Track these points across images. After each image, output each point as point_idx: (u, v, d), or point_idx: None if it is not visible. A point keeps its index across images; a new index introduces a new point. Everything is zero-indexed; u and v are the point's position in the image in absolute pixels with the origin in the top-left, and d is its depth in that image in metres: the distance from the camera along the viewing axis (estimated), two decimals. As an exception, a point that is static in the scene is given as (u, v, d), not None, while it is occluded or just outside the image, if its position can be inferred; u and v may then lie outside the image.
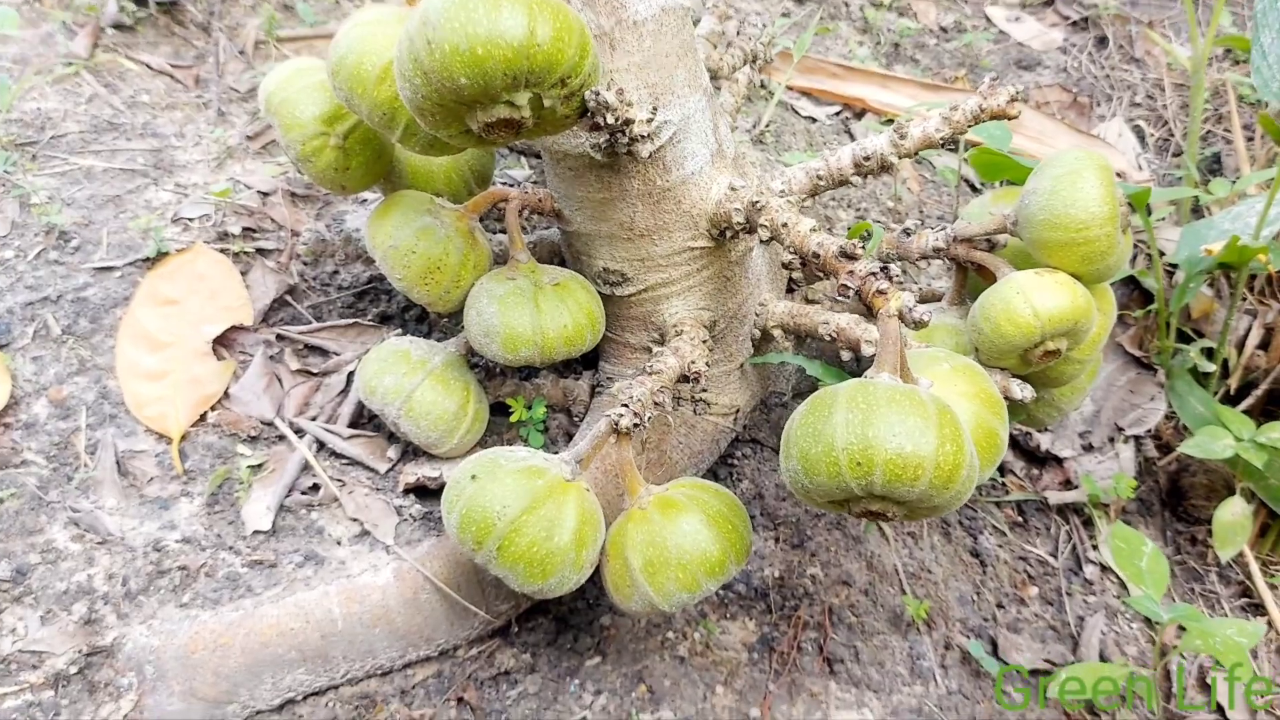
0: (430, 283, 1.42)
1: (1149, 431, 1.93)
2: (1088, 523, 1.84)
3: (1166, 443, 1.97)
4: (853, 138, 2.37)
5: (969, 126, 1.47)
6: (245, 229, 1.77)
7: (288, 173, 1.87)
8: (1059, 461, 1.90)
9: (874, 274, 1.23)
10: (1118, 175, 2.48)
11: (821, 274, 1.33)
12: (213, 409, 1.55)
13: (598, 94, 1.12)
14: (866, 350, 1.52)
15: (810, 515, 1.68)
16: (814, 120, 2.38)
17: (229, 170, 1.88)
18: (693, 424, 1.60)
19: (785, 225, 1.32)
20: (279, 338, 1.65)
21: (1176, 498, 1.92)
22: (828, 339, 1.56)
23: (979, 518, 1.79)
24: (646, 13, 1.29)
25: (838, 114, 2.43)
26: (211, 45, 2.17)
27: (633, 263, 1.45)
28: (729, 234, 1.43)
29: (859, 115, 2.42)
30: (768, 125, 2.29)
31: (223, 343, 1.62)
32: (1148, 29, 2.79)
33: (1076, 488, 1.86)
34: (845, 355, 1.56)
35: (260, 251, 1.75)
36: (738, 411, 1.64)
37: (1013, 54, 2.78)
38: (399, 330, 1.68)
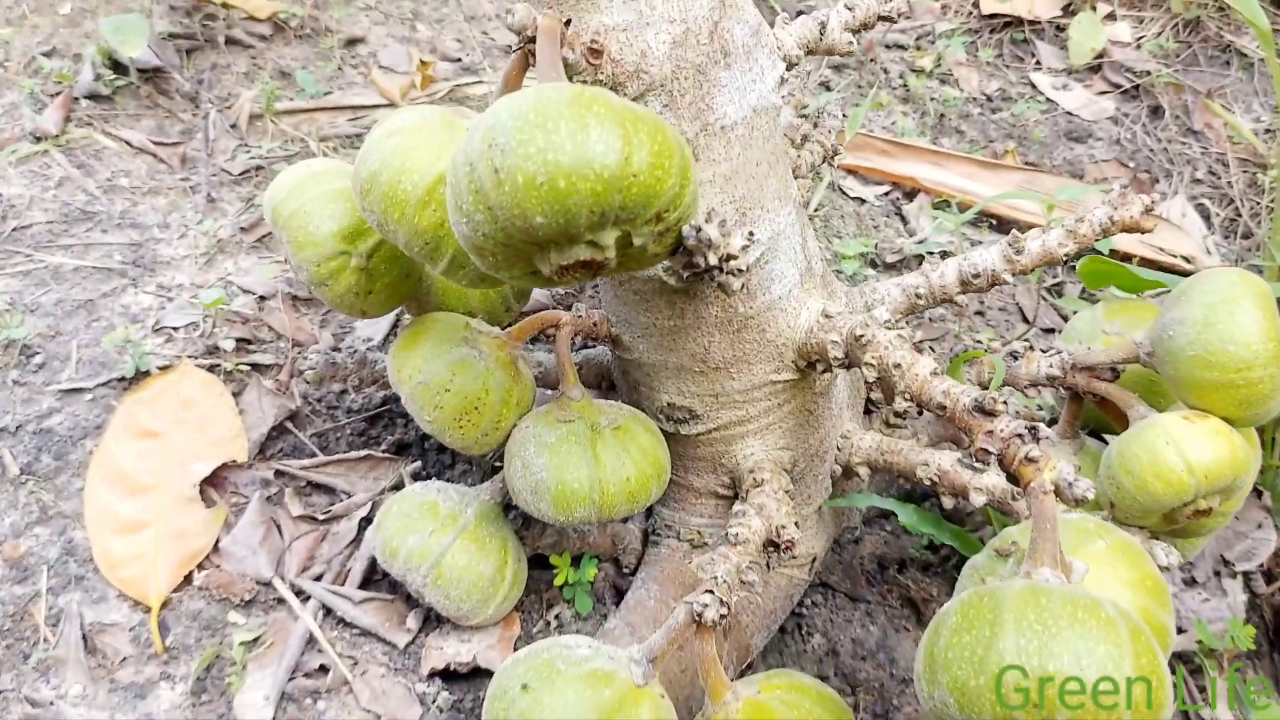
0: (467, 425, 1.19)
1: (1260, 567, 1.72)
2: (1195, 671, 1.62)
3: (1269, 570, 1.76)
4: (904, 220, 2.17)
5: (1096, 240, 1.26)
6: (239, 340, 1.53)
7: (289, 271, 1.63)
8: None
9: (1020, 436, 1.01)
10: (1186, 260, 2.29)
11: (957, 431, 1.11)
12: (200, 567, 1.30)
13: (699, 230, 0.90)
14: (976, 499, 1.30)
15: (897, 680, 1.45)
16: (863, 201, 2.17)
17: (219, 268, 1.64)
18: (765, 579, 1.37)
19: (898, 366, 1.10)
20: (278, 474, 1.41)
21: (1287, 638, 1.70)
22: (928, 483, 1.34)
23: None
24: (737, 115, 1.08)
25: (887, 194, 2.22)
26: (200, 119, 1.94)
27: (704, 398, 1.23)
28: (819, 366, 1.21)
29: (909, 195, 2.22)
30: (817, 209, 2.08)
31: (213, 483, 1.38)
32: (1206, 100, 2.62)
33: (1183, 631, 1.64)
34: (948, 502, 1.34)
35: (256, 368, 1.51)
36: (814, 560, 1.41)
37: (1062, 124, 2.60)
38: (416, 462, 1.44)
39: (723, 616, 1.04)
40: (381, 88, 2.06)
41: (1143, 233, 1.26)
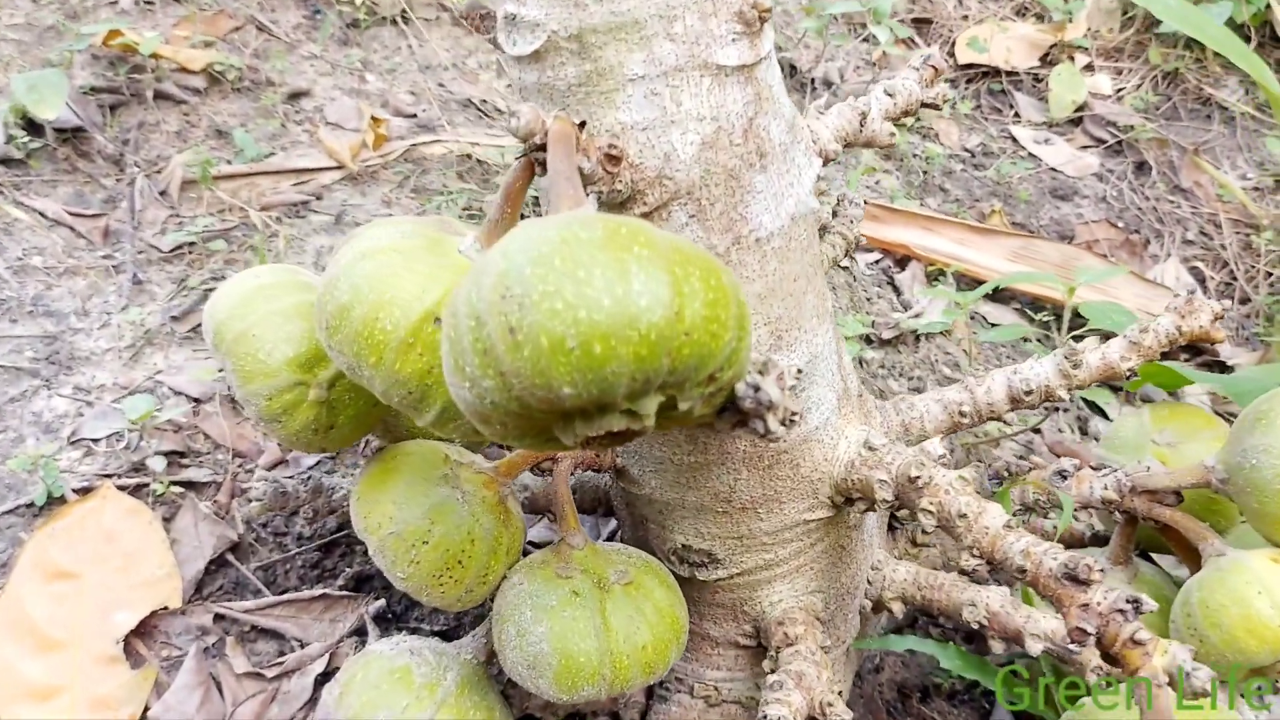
0: (448, 582, 1.00)
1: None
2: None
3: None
4: (898, 291, 2.02)
5: (1161, 352, 1.12)
6: (170, 454, 1.33)
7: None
8: None
9: (1121, 611, 0.85)
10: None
11: (1046, 595, 0.94)
12: (125, 743, 1.09)
13: (757, 390, 0.73)
14: (1033, 648, 1.14)
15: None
16: (852, 271, 2.02)
17: (147, 364, 1.44)
18: (788, 734, 1.20)
19: (964, 516, 0.94)
20: (218, 618, 1.21)
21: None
22: (975, 625, 1.18)
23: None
24: (773, 225, 0.91)
25: (877, 262, 2.08)
26: (125, 185, 1.73)
27: (726, 541, 1.05)
28: (860, 505, 1.04)
29: (900, 263, 2.08)
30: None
31: (141, 635, 1.17)
32: (1195, 157, 2.52)
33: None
34: (997, 647, 1.18)
35: (191, 487, 1.31)
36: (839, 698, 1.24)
37: (1047, 182, 2.48)
38: (379, 600, 1.24)
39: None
40: (329, 148, 1.86)
41: (1213, 343, 1.12)
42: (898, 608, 1.23)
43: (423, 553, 0.98)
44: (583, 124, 0.80)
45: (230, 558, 1.26)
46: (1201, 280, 2.31)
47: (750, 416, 0.75)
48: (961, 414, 1.14)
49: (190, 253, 1.61)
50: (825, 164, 1.00)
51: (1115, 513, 1.21)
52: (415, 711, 1.02)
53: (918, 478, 0.97)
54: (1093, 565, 0.86)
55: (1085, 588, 0.87)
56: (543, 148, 0.78)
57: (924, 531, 0.97)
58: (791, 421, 0.75)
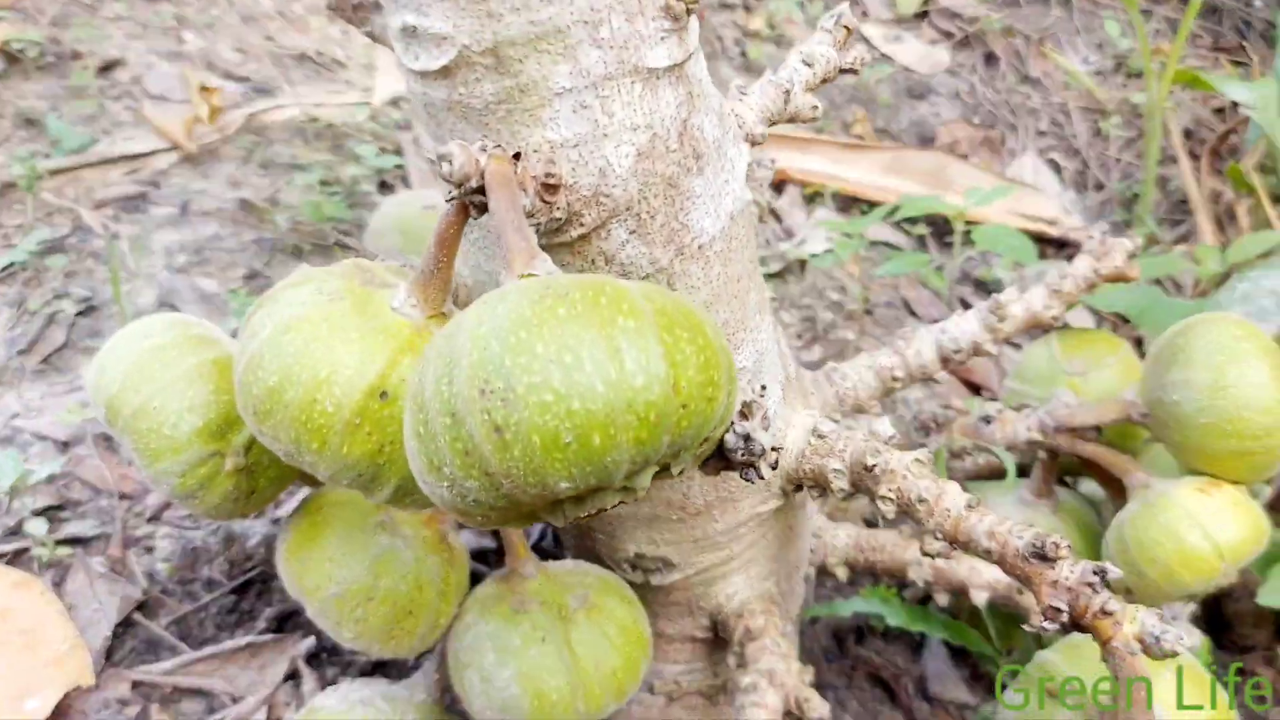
0: (400, 634, 0.94)
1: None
2: None
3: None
4: (778, 218, 2.00)
5: (1081, 295, 1.13)
6: (47, 511, 1.20)
7: (89, 403, 1.29)
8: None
9: (1090, 585, 0.86)
10: (1049, 224, 2.23)
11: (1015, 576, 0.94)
12: (56, 845, 1.00)
13: (748, 439, 0.68)
14: (978, 599, 1.17)
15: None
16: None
17: (0, 406, 1.29)
18: None
19: (923, 501, 0.93)
20: (136, 686, 1.11)
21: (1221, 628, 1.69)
22: (921, 583, 1.19)
23: None
24: (714, 229, 0.86)
25: (753, 189, 2.04)
26: (-72, 195, 1.52)
27: (681, 546, 1.02)
28: (814, 492, 1.02)
29: (777, 187, 2.05)
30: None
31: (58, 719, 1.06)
32: (1041, 47, 2.56)
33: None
34: (942, 600, 1.20)
35: (77, 543, 1.19)
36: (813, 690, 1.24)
37: (902, 82, 2.48)
38: (308, 638, 1.17)
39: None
40: (159, 126, 1.69)
41: (1129, 280, 1.13)
42: (842, 572, 1.23)
43: (369, 610, 0.92)
44: (517, 155, 0.72)
45: (138, 617, 1.15)
46: (1058, 170, 2.37)
47: (740, 466, 0.70)
48: (894, 378, 1.13)
49: (23, 271, 1.44)
50: (752, 148, 0.94)
51: (1038, 450, 1.24)
52: (380, 768, 0.97)
53: (874, 465, 0.95)
54: (1060, 542, 0.87)
55: (1052, 564, 0.87)
56: (478, 190, 0.70)
57: (884, 518, 0.96)
58: (775, 452, 0.71)
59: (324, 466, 0.71)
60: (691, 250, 0.85)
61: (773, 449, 0.72)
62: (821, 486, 1.00)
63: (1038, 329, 1.12)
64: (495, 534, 1.26)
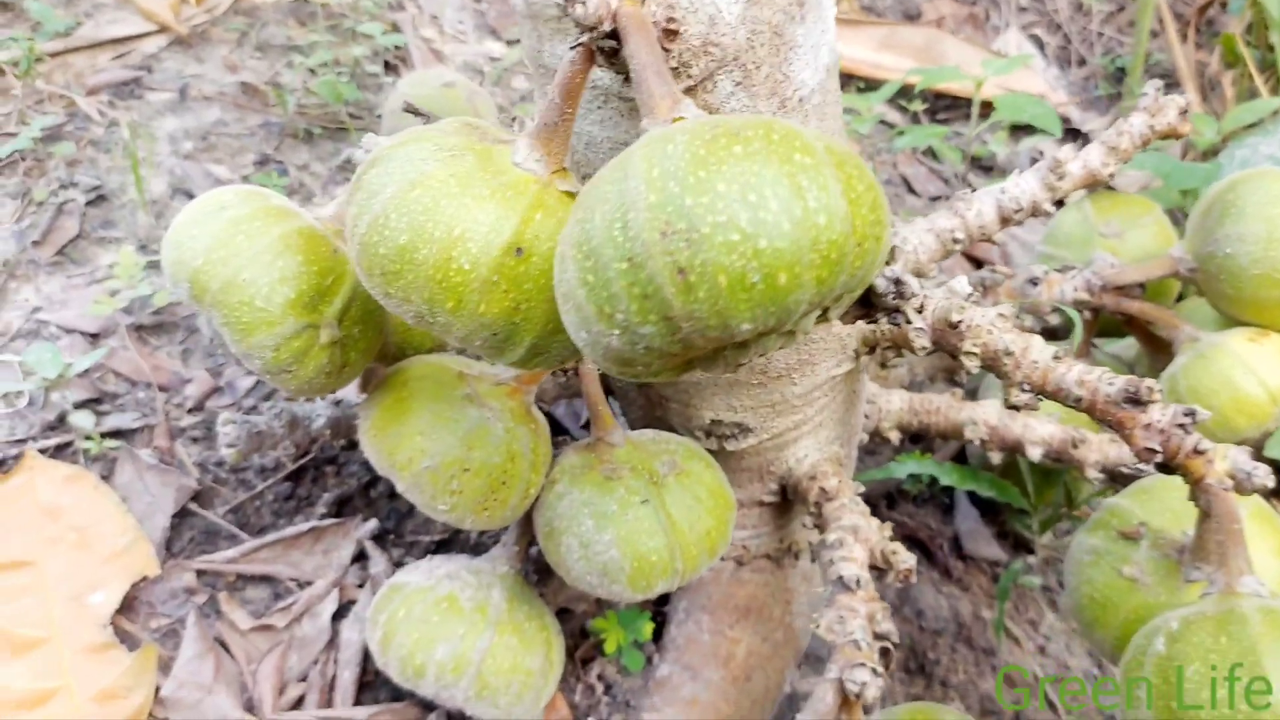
0: (493, 505, 0.93)
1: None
2: None
3: None
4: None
5: (1136, 152, 1.13)
6: (84, 405, 1.16)
7: (118, 290, 1.25)
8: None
9: (1181, 426, 0.88)
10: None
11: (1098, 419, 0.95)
12: (145, 731, 1.00)
13: (898, 283, 0.68)
14: (1033, 454, 1.19)
15: (928, 632, 1.36)
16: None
17: (16, 303, 1.23)
18: (810, 574, 1.22)
19: (1009, 354, 0.94)
20: (201, 575, 1.10)
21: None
22: (976, 442, 1.21)
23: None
24: (813, 81, 0.84)
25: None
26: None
27: (759, 410, 1.03)
28: (889, 354, 1.03)
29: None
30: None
31: (123, 612, 1.05)
32: (1020, -81, 2.52)
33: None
34: (995, 459, 1.22)
35: (119, 436, 1.16)
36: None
37: (884, -43, 2.44)
38: (370, 521, 1.16)
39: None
40: (144, 9, 1.60)
41: (1179, 138, 1.14)
42: (895, 435, 1.25)
43: (464, 481, 0.91)
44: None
45: (194, 507, 1.13)
46: (1041, 46, 2.37)
47: (886, 311, 0.70)
48: (955, 240, 1.13)
49: (23, 161, 1.36)
50: None
51: (1083, 310, 1.26)
52: (473, 638, 0.98)
53: (959, 321, 0.95)
54: (1153, 385, 0.89)
55: (1145, 408, 0.89)
56: (610, 35, 0.67)
57: (968, 374, 0.97)
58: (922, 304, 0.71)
59: (458, 327, 0.69)
60: (793, 103, 0.83)
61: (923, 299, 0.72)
62: (900, 347, 1.01)
63: (1094, 187, 1.12)
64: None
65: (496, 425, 0.92)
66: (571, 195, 0.71)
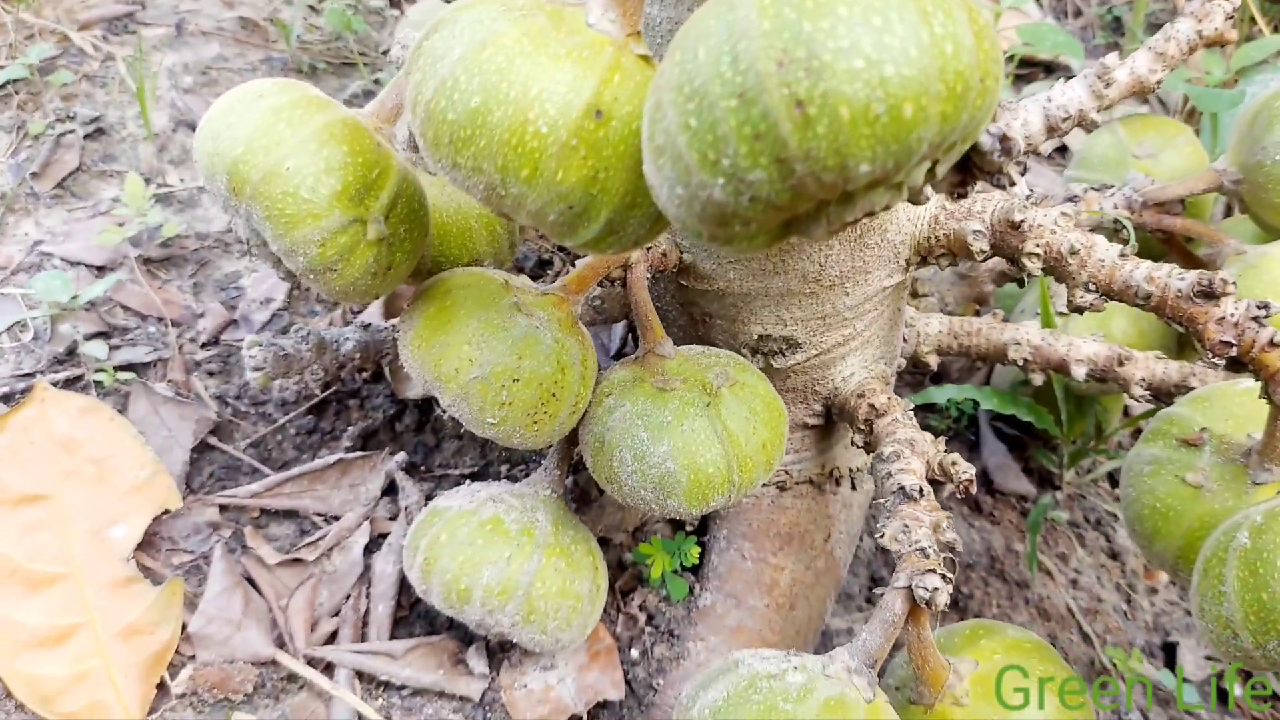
0: (543, 418, 0.89)
1: None
2: None
3: None
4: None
5: (1183, 60, 1.11)
6: (93, 336, 1.11)
7: (124, 221, 1.19)
8: None
9: (1255, 319, 0.86)
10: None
11: (1169, 320, 0.92)
12: (172, 667, 0.94)
13: (1004, 139, 0.64)
14: (1078, 373, 1.16)
15: (960, 567, 1.33)
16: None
17: (17, 236, 1.17)
18: (849, 502, 1.19)
19: (1075, 253, 0.91)
20: (224, 510, 1.05)
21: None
22: (1019, 363, 1.18)
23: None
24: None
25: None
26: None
27: (809, 323, 0.99)
28: (943, 261, 1.00)
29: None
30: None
31: (145, 547, 1.00)
32: (1014, -128, 2.50)
33: None
34: (1037, 379, 1.20)
35: (132, 369, 1.10)
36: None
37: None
38: (399, 453, 1.11)
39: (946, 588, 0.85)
40: (133, -56, 1.53)
41: (1226, 45, 1.11)
42: (933, 360, 1.22)
43: (514, 392, 0.86)
44: None
45: (213, 441, 1.08)
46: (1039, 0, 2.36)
47: (990, 172, 0.67)
48: (999, 152, 1.10)
49: (19, 92, 1.30)
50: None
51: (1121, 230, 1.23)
52: (520, 560, 0.93)
53: (1021, 221, 0.92)
54: (1226, 279, 0.86)
55: (1218, 302, 0.86)
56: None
57: (1028, 275, 0.94)
58: (1025, 166, 0.68)
59: (532, 199, 0.65)
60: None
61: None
62: (955, 253, 0.98)
63: (1141, 94, 1.09)
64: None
65: (545, 334, 0.88)
66: (647, 59, 0.67)
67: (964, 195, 0.69)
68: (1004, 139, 0.65)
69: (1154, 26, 2.30)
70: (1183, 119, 1.89)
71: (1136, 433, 1.53)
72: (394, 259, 0.83)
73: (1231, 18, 1.10)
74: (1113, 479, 1.51)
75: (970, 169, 0.67)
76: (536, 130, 0.63)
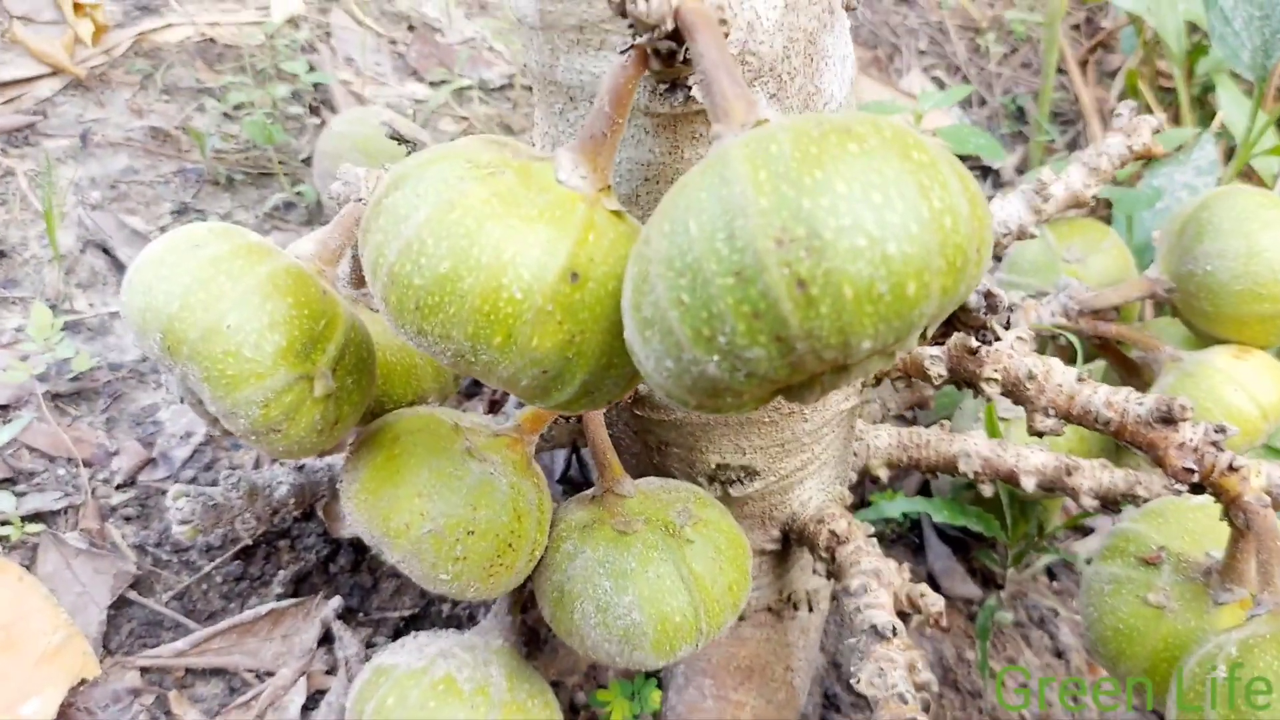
0: (499, 570, 0.84)
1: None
2: None
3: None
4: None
5: (1116, 171, 1.13)
6: (0, 483, 1.02)
7: (28, 355, 1.11)
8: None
9: (1214, 444, 0.86)
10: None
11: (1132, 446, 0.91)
12: None
13: (990, 295, 0.63)
14: (1028, 484, 1.16)
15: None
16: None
17: (-91, 372, 1.09)
18: (807, 627, 1.16)
19: (1032, 378, 0.91)
20: (145, 673, 0.96)
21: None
22: (970, 475, 1.17)
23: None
24: (840, 95, 0.80)
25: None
26: None
27: (769, 450, 0.96)
28: (900, 384, 0.98)
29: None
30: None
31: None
32: (914, -32, 2.59)
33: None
34: (987, 490, 1.19)
35: (41, 518, 1.02)
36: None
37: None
38: (334, 598, 1.05)
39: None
40: (35, 50, 1.46)
41: (1153, 157, 1.14)
42: (884, 473, 1.20)
43: (469, 545, 0.81)
44: (696, -2, 0.63)
45: (133, 595, 1.00)
46: (942, 87, 2.42)
47: (974, 328, 0.65)
48: (943, 267, 1.10)
49: (-90, 216, 1.21)
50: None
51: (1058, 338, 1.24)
52: (476, 723, 0.87)
53: (977, 348, 0.92)
54: (1185, 404, 0.86)
55: (1176, 427, 0.86)
56: (670, 36, 0.61)
57: (986, 399, 0.93)
58: (1008, 319, 0.66)
59: (504, 365, 0.61)
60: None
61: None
62: (912, 375, 0.97)
63: (1078, 208, 1.11)
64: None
65: (501, 480, 0.83)
66: (620, 215, 0.64)
67: (942, 344, 0.68)
68: (989, 295, 0.64)
69: (1054, 115, 2.38)
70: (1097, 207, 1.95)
71: (1075, 528, 1.54)
72: (341, 413, 0.77)
73: (1159, 131, 1.12)
74: (1050, 572, 1.51)
75: (954, 323, 0.66)
76: (510, 296, 0.59)
